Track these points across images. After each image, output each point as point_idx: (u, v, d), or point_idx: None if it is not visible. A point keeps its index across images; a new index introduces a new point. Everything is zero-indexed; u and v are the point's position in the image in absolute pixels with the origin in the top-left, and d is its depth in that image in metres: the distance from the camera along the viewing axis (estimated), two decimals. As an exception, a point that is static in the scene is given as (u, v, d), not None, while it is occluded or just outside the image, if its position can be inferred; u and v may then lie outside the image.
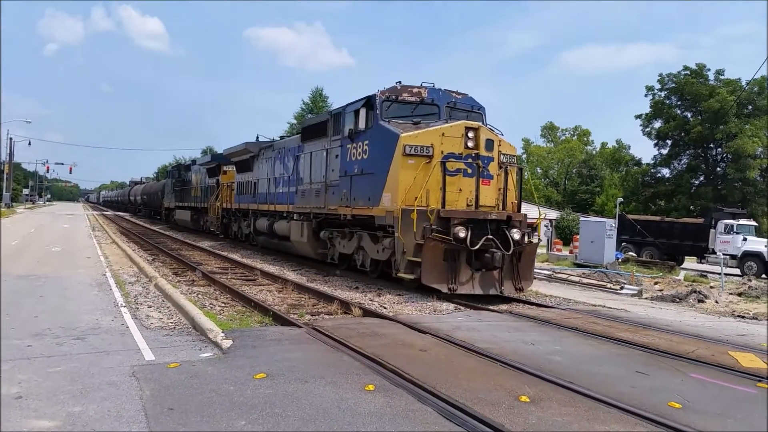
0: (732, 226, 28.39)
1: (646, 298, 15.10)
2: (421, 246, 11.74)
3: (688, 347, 8.15)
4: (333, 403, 5.21)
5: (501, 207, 13.04)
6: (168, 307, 10.07)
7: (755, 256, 26.98)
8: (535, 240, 13.38)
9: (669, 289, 16.59)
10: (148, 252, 21.07)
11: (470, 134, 12.63)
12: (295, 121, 56.89)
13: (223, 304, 11.06)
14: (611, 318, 10.64)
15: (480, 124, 13.13)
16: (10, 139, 65.15)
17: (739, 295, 16.13)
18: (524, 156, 74.16)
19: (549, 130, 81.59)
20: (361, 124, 13.88)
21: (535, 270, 14.10)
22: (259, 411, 4.98)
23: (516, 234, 12.30)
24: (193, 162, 37.51)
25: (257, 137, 23.68)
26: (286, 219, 19.05)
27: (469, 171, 12.59)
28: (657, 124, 49.25)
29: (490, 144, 12.84)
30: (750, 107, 44.35)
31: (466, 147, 12.58)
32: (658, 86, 48.37)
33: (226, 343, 7.23)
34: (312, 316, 9.94)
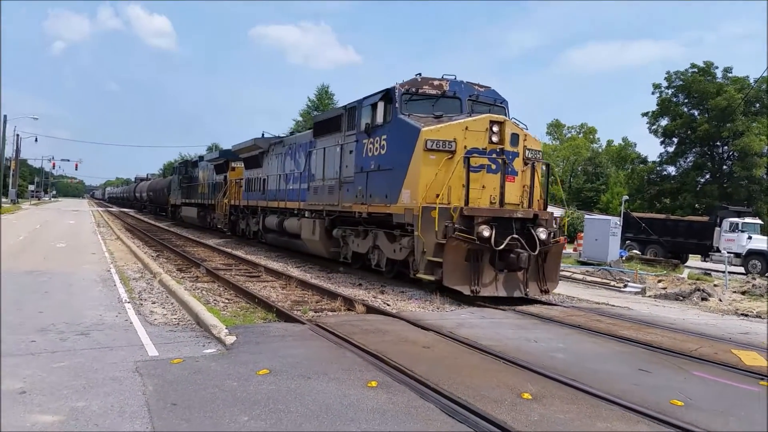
0: (737, 224, 28.31)
1: (649, 296, 15.07)
2: (442, 246, 11.30)
3: (691, 345, 8.14)
4: (336, 400, 5.22)
5: (527, 205, 12.50)
6: (172, 303, 10.10)
7: (760, 254, 26.91)
8: (561, 239, 12.89)
9: (672, 287, 16.55)
10: (152, 248, 21.12)
11: (495, 128, 12.05)
12: (300, 119, 56.86)
13: (227, 301, 11.10)
14: (614, 316, 10.63)
15: (505, 117, 12.63)
16: (17, 135, 65.35)
17: (743, 293, 16.09)
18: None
19: (555, 127, 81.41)
20: (379, 118, 13.30)
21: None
22: (262, 407, 5.00)
23: (542, 233, 11.81)
24: (201, 158, 37.23)
25: (263, 134, 23.54)
26: (297, 216, 18.63)
27: (493, 167, 12.07)
28: (663, 122, 49.10)
29: (515, 139, 12.30)
30: (758, 105, 44.16)
31: (491, 142, 12.01)
32: (665, 84, 48.25)
33: (230, 339, 7.25)
34: (315, 312, 9.96)
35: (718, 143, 46.50)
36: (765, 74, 39.53)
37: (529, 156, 12.60)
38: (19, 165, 70.25)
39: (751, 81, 43.51)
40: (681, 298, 14.44)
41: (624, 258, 24.72)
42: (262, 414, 4.84)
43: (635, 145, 71.28)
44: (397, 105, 12.91)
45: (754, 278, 21.17)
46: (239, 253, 19.74)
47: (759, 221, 30.58)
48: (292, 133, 23.56)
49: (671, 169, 50.10)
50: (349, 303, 10.52)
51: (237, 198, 26.34)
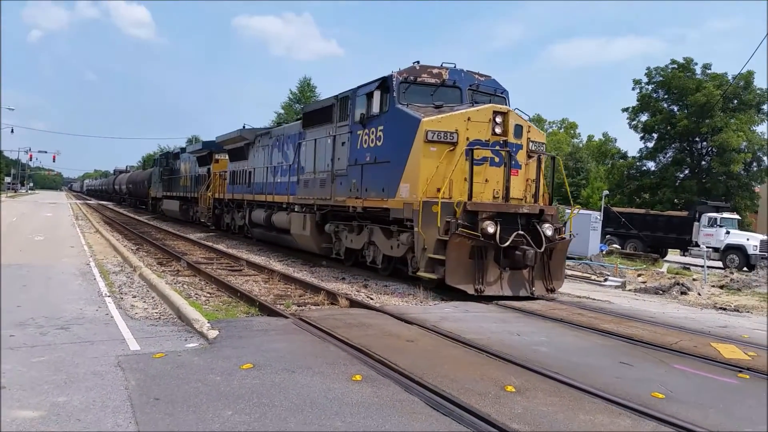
0: (715, 219, 28.70)
1: (629, 290, 15.23)
2: (443, 242, 10.85)
3: (671, 338, 8.24)
4: (320, 393, 5.21)
5: (533, 200, 12.12)
6: (153, 297, 10.01)
7: (737, 249, 27.33)
8: (566, 236, 12.45)
9: (652, 281, 16.76)
10: (132, 242, 20.93)
11: (498, 119, 11.58)
12: (282, 111, 56.59)
13: (208, 295, 11.03)
14: (596, 309, 10.72)
15: (509, 108, 12.20)
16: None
17: (721, 287, 16.34)
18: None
19: (536, 122, 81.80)
20: (375, 108, 12.71)
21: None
22: (246, 401, 4.97)
23: (548, 229, 11.37)
24: (183, 150, 36.56)
25: (244, 126, 23.23)
26: (286, 211, 17.98)
27: (497, 160, 11.62)
28: (643, 118, 49.52)
29: (519, 130, 11.87)
30: (735, 101, 44.72)
31: (494, 133, 11.54)
32: (645, 80, 48.67)
33: (212, 334, 7.20)
34: (299, 306, 9.93)
35: (697, 139, 47.02)
36: (743, 71, 40.02)
37: (533, 148, 12.20)
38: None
39: (730, 78, 44.06)
40: (661, 292, 14.62)
41: (604, 252, 24.95)
42: (246, 408, 4.82)
43: (615, 140, 71.95)
44: (394, 94, 12.39)
45: (732, 273, 21.53)
46: (220, 246, 19.62)
47: (737, 216, 31.06)
48: (279, 125, 22.95)
49: (651, 165, 50.60)
50: (333, 297, 10.50)
51: (221, 191, 25.62)
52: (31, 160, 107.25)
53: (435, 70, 12.76)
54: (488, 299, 10.72)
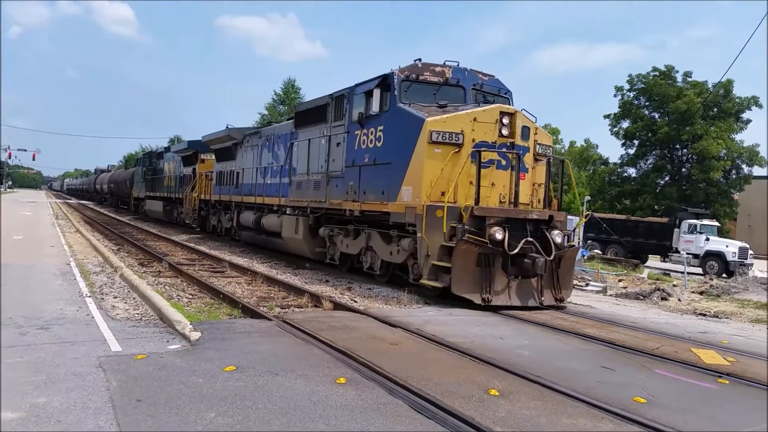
0: (695, 225, 29.04)
1: (610, 295, 15.35)
2: (448, 249, 10.40)
3: (652, 344, 8.31)
4: (304, 396, 5.19)
5: (541, 205, 11.77)
6: (134, 298, 9.92)
7: (717, 255, 27.67)
8: (575, 243, 12.02)
9: (633, 286, 16.91)
10: (113, 242, 20.73)
11: (505, 120, 11.14)
12: (266, 112, 56.41)
13: (190, 296, 10.95)
14: (577, 314, 10.78)
15: (516, 108, 11.73)
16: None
17: (701, 293, 16.53)
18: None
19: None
20: (375, 107, 12.16)
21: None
22: (229, 403, 4.94)
23: (557, 236, 10.96)
24: (167, 149, 35.88)
25: (227, 126, 23.02)
26: (277, 213, 17.37)
27: (503, 163, 11.18)
28: (625, 124, 50.03)
29: (526, 132, 11.48)
30: (715, 110, 45.33)
31: (500, 135, 11.09)
32: (627, 87, 49.16)
33: (195, 335, 7.15)
34: (282, 308, 9.89)
35: (677, 146, 47.57)
36: (723, 80, 40.54)
37: (540, 151, 11.84)
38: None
39: (710, 86, 44.65)
40: (641, 297, 14.75)
41: (585, 257, 25.14)
42: (230, 410, 4.79)
43: (597, 146, 72.42)
44: (396, 93, 11.89)
45: (711, 279, 21.81)
46: (202, 248, 19.49)
47: (716, 223, 31.46)
48: (267, 125, 22.37)
49: (632, 171, 51.11)
50: (316, 299, 10.46)
51: (207, 192, 24.88)
52: (10, 158, 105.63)
53: (438, 69, 12.34)
54: (495, 309, 10.26)
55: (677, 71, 47.10)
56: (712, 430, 5.12)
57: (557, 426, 4.86)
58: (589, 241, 31.21)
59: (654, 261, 31.52)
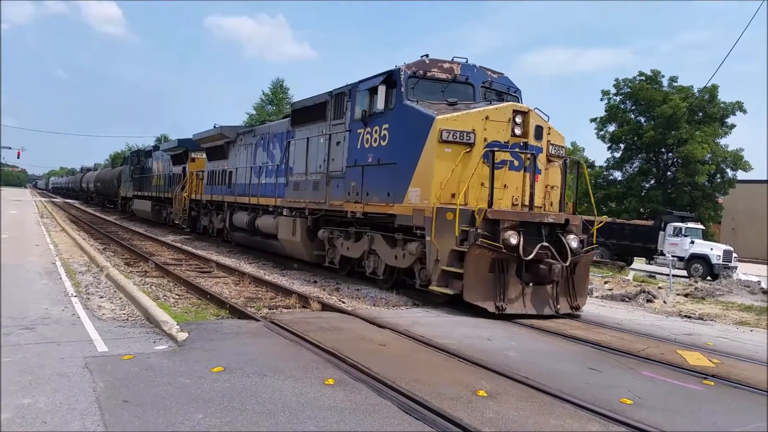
0: (680, 228, 29.24)
1: (596, 297, 15.42)
2: (459, 253, 9.97)
3: (638, 345, 8.37)
4: (292, 397, 5.17)
5: (555, 208, 11.36)
6: (120, 298, 9.85)
7: (701, 258, 27.87)
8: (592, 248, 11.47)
9: (619, 288, 17.00)
10: (99, 241, 20.58)
11: (518, 119, 10.68)
12: (254, 112, 56.25)
13: (177, 296, 10.89)
14: (564, 315, 10.81)
15: (529, 107, 11.17)
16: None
17: (686, 296, 16.66)
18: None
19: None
20: (379, 105, 11.62)
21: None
22: (216, 404, 4.92)
23: (573, 241, 10.48)
24: (156, 147, 35.22)
25: (214, 126, 22.84)
26: (273, 214, 16.75)
27: (516, 164, 10.71)
28: (611, 128, 50.28)
29: (539, 132, 11.01)
30: (700, 114, 45.70)
31: (513, 134, 10.65)
32: (613, 91, 49.46)
33: (182, 336, 7.11)
34: (270, 309, 9.86)
35: (663, 150, 47.88)
36: (708, 85, 40.87)
37: (553, 152, 11.40)
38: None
39: (695, 91, 45.03)
40: (627, 299, 14.83)
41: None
42: (217, 412, 4.76)
43: (583, 149, 72.83)
44: (402, 89, 11.41)
45: (696, 281, 22.00)
46: (189, 248, 19.38)
47: (701, 226, 31.68)
48: (263, 123, 21.91)
49: (617, 174, 51.37)
50: (304, 300, 10.45)
51: (198, 192, 24.24)
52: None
53: (446, 65, 11.88)
54: (509, 318, 9.76)
55: (663, 76, 47.47)
56: (698, 431, 5.17)
57: (545, 427, 4.88)
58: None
59: (639, 263, 31.71)
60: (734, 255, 28.29)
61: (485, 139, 10.57)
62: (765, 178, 50.91)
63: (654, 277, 23.43)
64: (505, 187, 10.67)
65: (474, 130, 10.55)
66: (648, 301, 14.48)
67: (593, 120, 51.39)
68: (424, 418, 4.87)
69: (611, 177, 51.77)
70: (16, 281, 10.78)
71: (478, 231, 9.86)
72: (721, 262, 27.34)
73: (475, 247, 9.73)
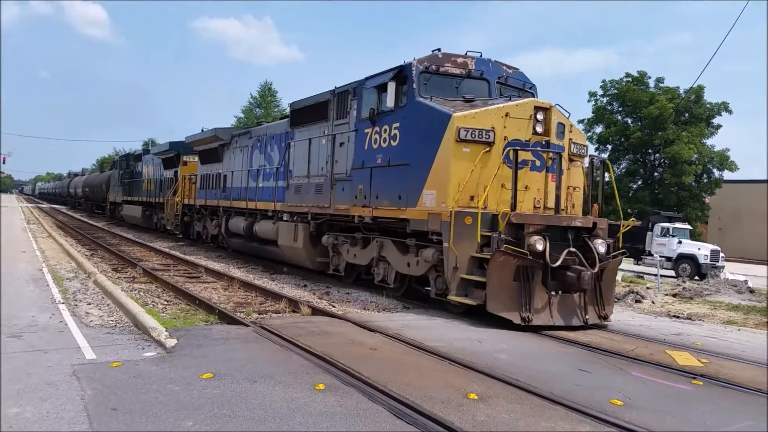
0: (668, 229, 29.42)
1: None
2: (479, 260, 9.43)
3: (627, 346, 8.41)
4: (283, 403, 5.15)
5: (578, 211, 10.86)
6: (108, 305, 9.77)
7: (689, 258, 28.04)
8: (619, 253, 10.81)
9: (609, 289, 17.04)
10: (86, 247, 20.42)
11: (540, 116, 10.09)
12: (242, 115, 56.13)
13: (166, 302, 10.83)
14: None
15: (550, 103, 10.50)
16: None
17: (674, 296, 16.74)
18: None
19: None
20: (389, 103, 10.92)
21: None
22: (206, 411, 4.88)
23: (601, 246, 9.86)
24: (146, 151, 34.46)
25: (202, 129, 22.67)
26: (272, 219, 16.11)
27: (537, 164, 10.13)
28: (598, 129, 50.58)
29: (561, 129, 10.40)
30: (687, 115, 46.05)
31: (535, 132, 10.06)
32: (600, 92, 49.75)
33: (171, 342, 7.06)
34: (260, 314, 9.82)
35: (650, 151, 48.19)
36: (694, 86, 41.21)
37: (575, 151, 10.81)
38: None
39: (681, 92, 45.37)
40: (616, 299, 14.87)
41: (561, 260, 25.26)
42: (207, 419, 4.73)
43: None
44: (414, 86, 10.78)
45: (684, 281, 22.13)
46: (177, 253, 19.26)
47: (689, 226, 31.89)
48: (259, 124, 21.43)
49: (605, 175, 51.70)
50: (294, 305, 10.41)
51: (191, 196, 23.41)
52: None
53: (460, 59, 11.28)
54: (536, 330, 9.10)
55: (650, 77, 47.81)
56: (688, 431, 5.19)
57: (536, 429, 4.89)
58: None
59: (627, 264, 31.83)
60: (721, 254, 28.47)
61: (505, 138, 9.99)
62: (750, 178, 51.46)
63: (642, 277, 23.53)
64: (526, 188, 10.10)
65: (493, 128, 9.96)
66: (636, 301, 14.55)
67: (581, 121, 51.58)
68: (415, 422, 4.86)
69: (599, 178, 51.98)
70: (2, 288, 10.67)
71: (502, 236, 9.29)
72: (708, 261, 27.52)
73: (499, 253, 9.13)
